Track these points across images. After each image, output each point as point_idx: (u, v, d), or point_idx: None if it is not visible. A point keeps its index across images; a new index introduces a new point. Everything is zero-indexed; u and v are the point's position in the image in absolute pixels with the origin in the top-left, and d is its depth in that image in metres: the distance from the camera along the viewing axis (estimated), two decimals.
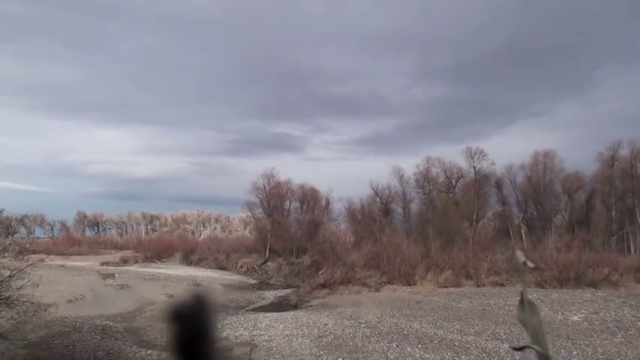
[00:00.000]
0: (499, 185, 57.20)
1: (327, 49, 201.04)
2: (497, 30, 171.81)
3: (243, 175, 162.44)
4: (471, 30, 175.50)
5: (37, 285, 19.21)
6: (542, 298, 27.64)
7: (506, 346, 18.47)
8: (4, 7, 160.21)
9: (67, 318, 25.54)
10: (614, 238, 48.30)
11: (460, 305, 27.82)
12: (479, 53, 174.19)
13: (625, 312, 23.49)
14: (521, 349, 1.50)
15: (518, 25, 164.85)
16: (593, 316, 23.21)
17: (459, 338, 20.33)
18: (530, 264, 1.41)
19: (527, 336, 1.36)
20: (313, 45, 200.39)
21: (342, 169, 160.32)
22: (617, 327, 21.08)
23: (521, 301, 1.41)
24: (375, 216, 56.18)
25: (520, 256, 1.43)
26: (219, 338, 1.14)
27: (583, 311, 24.19)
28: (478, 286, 34.29)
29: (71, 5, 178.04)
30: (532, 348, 1.37)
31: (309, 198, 65.95)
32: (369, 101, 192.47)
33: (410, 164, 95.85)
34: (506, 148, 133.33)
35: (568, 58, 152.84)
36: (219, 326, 1.15)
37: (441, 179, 59.41)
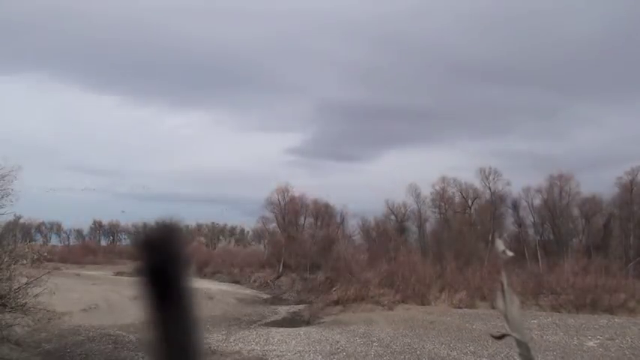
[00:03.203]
0: (515, 207, 56.78)
1: None
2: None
3: None
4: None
5: (54, 293, 19.37)
6: (557, 322, 27.35)
7: None
8: None
9: (80, 326, 25.72)
10: (632, 264, 47.61)
11: (474, 326, 27.60)
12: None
13: None
14: (501, 337, 1.56)
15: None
16: (609, 342, 22.91)
17: None
18: (509, 253, 1.49)
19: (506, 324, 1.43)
20: None
21: None
22: (633, 354, 20.79)
23: (501, 290, 1.48)
24: (389, 234, 56.03)
25: (499, 244, 1.51)
26: (188, 265, 1.15)
27: (599, 337, 23.89)
28: (493, 307, 33.92)
29: None
30: (512, 336, 1.43)
31: (324, 214, 65.91)
32: None
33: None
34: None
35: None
36: (188, 254, 1.17)
37: (457, 199, 59.25)
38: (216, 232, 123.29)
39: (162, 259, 1.10)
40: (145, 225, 1.15)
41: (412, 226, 62.13)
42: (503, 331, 1.48)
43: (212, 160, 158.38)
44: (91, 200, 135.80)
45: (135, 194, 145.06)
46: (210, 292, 45.18)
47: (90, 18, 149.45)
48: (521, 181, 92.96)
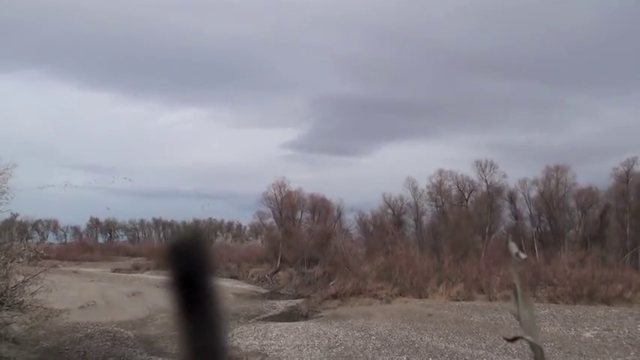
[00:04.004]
0: (512, 199, 56.81)
1: None
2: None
3: None
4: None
5: (51, 290, 19.31)
6: (554, 313, 27.43)
7: None
8: None
9: (78, 324, 25.71)
10: (629, 254, 47.76)
11: (472, 319, 27.68)
12: None
13: (638, 329, 23.24)
14: (513, 339, 1.56)
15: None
16: (606, 332, 22.99)
17: (470, 352, 20.24)
18: (522, 255, 1.48)
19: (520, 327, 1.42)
20: None
21: None
22: (630, 344, 20.87)
23: (515, 293, 1.47)
24: (387, 228, 56.04)
25: (513, 247, 1.50)
26: (215, 271, 1.18)
27: (596, 328, 23.97)
28: (490, 300, 34.01)
29: None
30: (525, 339, 1.43)
31: (321, 208, 65.92)
32: None
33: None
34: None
35: None
36: (214, 260, 1.19)
37: (454, 192, 59.28)
38: (213, 228, 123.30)
39: (191, 264, 1.12)
40: (173, 231, 1.15)
41: (409, 220, 62.23)
42: (516, 334, 1.48)
43: (209, 156, 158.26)
44: (87, 197, 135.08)
45: (132, 191, 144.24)
46: None
47: (87, 15, 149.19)
48: (518, 173, 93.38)
